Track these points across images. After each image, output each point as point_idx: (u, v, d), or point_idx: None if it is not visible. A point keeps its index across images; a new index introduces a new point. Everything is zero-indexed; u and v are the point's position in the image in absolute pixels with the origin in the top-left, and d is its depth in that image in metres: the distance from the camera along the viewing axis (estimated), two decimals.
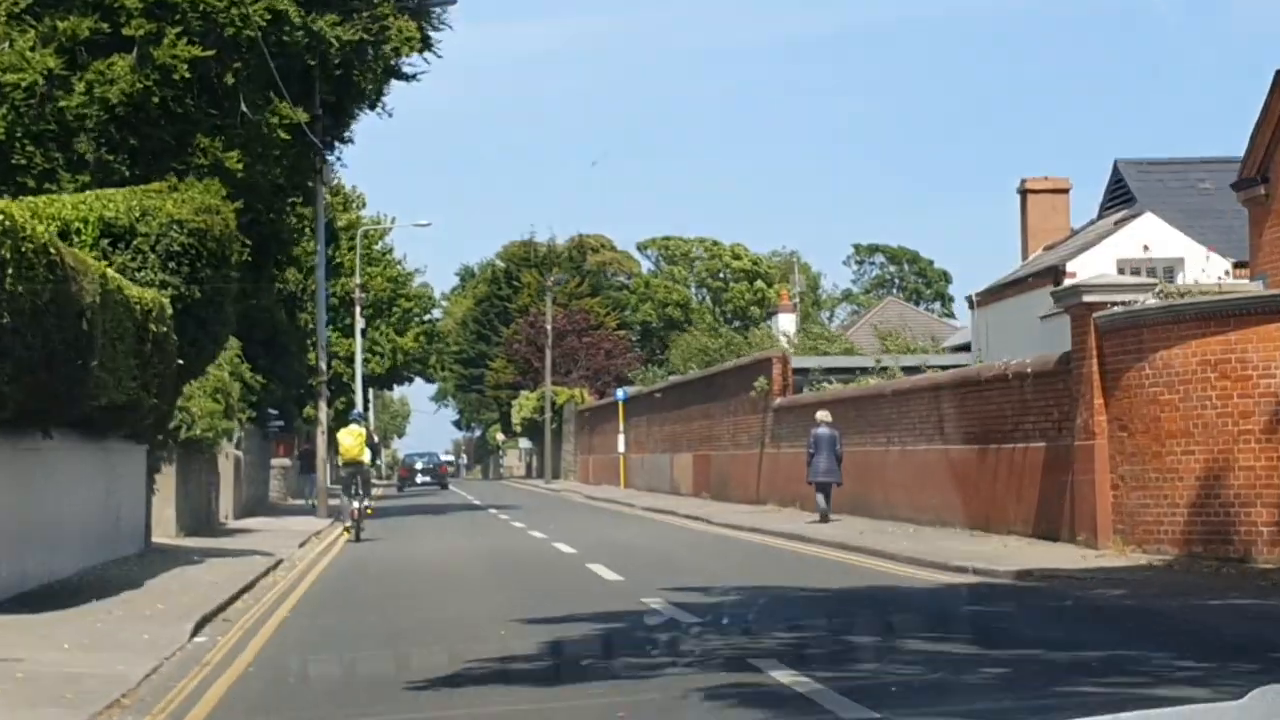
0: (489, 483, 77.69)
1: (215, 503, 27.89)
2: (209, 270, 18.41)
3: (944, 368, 27.67)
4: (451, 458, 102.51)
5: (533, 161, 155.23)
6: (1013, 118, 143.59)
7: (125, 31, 25.21)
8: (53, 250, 11.89)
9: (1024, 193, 32.48)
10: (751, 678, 8.24)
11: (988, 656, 9.01)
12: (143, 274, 17.96)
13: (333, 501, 30.48)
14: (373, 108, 34.57)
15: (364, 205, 63.69)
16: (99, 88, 26.10)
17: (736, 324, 61.97)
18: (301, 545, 23.50)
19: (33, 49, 24.67)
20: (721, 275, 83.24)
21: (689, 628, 10.83)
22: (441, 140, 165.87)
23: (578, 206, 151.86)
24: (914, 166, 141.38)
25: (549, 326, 63.20)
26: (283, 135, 28.79)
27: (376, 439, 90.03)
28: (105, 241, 18.01)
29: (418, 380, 69.50)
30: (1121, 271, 24.41)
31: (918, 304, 74.71)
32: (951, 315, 75.62)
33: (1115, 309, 15.73)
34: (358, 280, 57.33)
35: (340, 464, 23.78)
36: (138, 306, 16.28)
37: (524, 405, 68.74)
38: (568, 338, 69.20)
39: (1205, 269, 21.12)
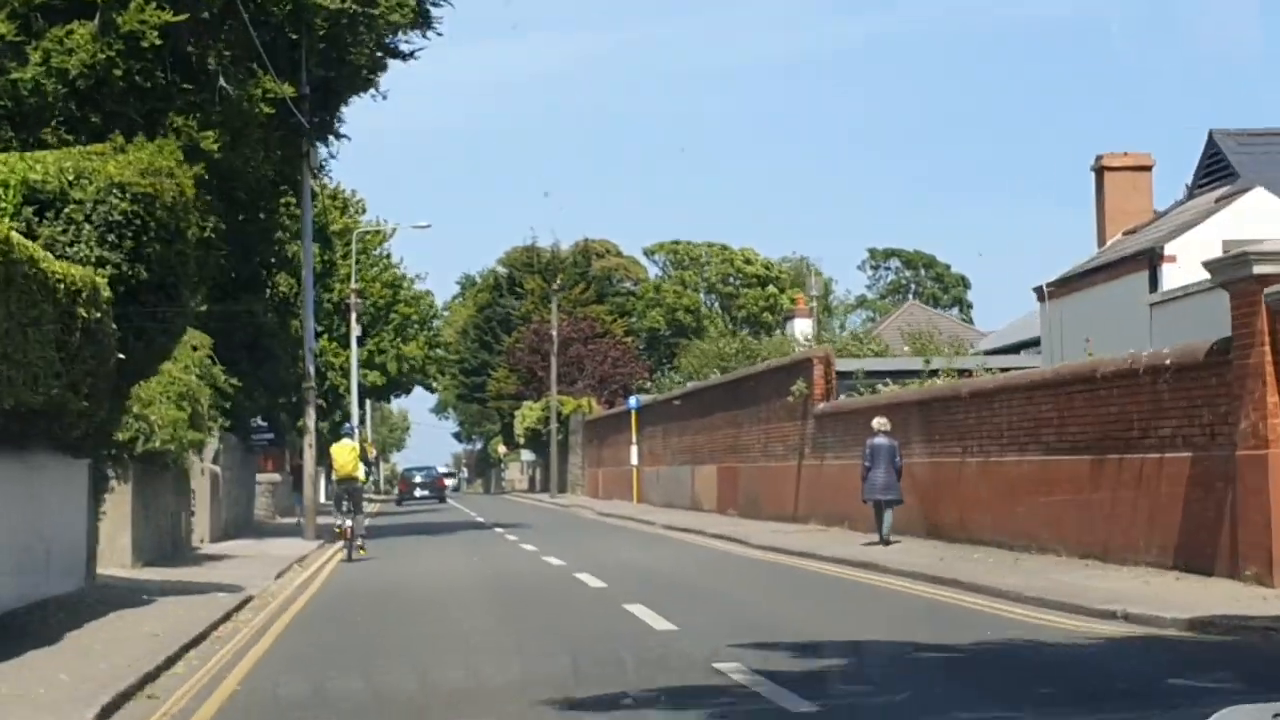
0: (491, 497, 75.52)
1: (187, 525, 24.61)
2: (159, 245, 14.91)
3: (1007, 369, 24.29)
4: (451, 471, 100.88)
5: (536, 168, 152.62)
6: (1015, 115, 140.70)
7: None
8: None
9: (1100, 171, 28.96)
10: None
11: None
12: (76, 249, 14.44)
13: (324, 520, 29.05)
14: (366, 88, 31.37)
15: (364, 211, 60.80)
16: (56, 58, 22.90)
17: (747, 331, 58.51)
18: (279, 575, 20.21)
19: None
20: (732, 281, 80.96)
21: None
22: (446, 152, 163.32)
23: (582, 212, 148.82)
24: (928, 168, 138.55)
25: (554, 333, 60.75)
26: (265, 109, 25.43)
27: (375, 453, 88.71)
28: (30, 210, 14.47)
29: (418, 391, 67.09)
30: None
31: (934, 309, 70.84)
32: (970, 321, 72.58)
33: None
34: (354, 285, 54.70)
35: (334, 480, 22.73)
36: (61, 285, 12.75)
37: (527, 416, 66.72)
38: (573, 345, 67.13)
39: None
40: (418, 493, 61.87)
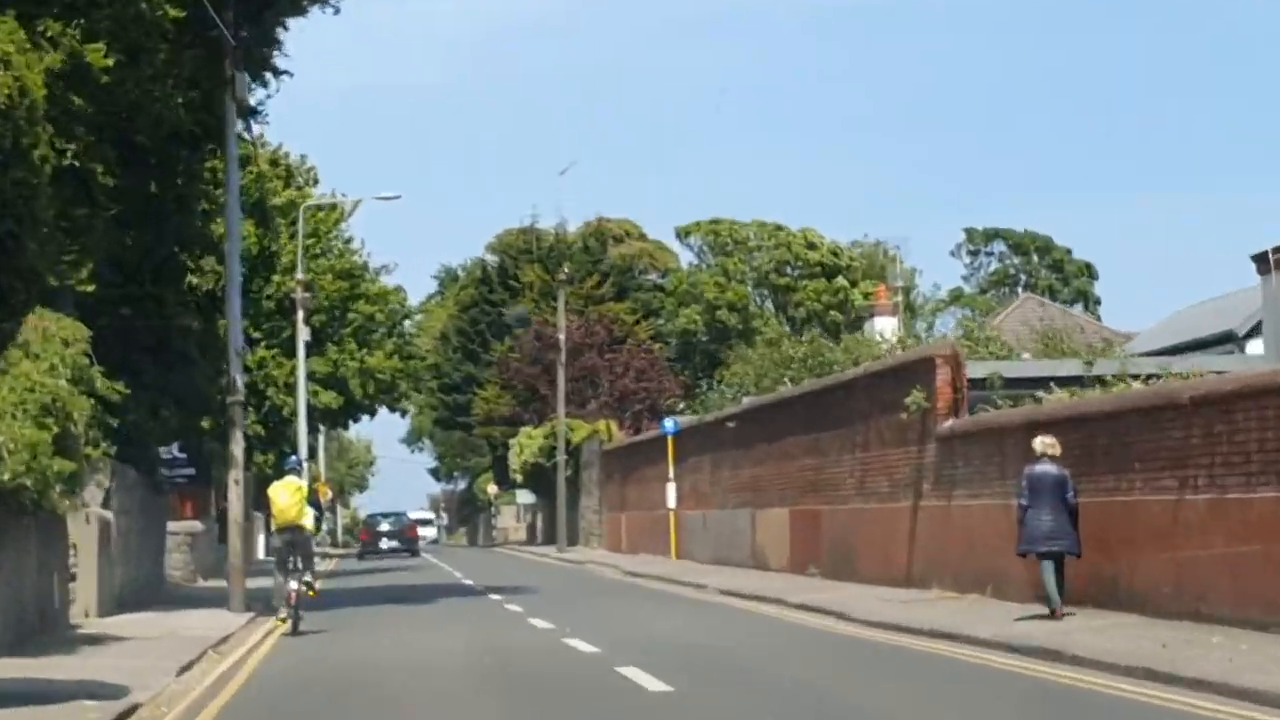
0: (479, 551, 74.67)
1: (63, 593, 22.04)
2: None
3: (1216, 373, 21.50)
4: (428, 517, 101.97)
5: (534, 135, 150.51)
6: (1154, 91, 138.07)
7: None
8: None
9: None
10: None
11: None
12: None
13: (261, 583, 28.86)
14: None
15: (315, 182, 58.74)
16: None
17: (819, 330, 56.18)
18: (185, 669, 17.64)
19: None
20: (788, 270, 78.80)
21: None
22: (422, 115, 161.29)
23: (595, 186, 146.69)
24: (1035, 134, 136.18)
25: (561, 337, 59.12)
26: (172, 13, 22.97)
27: (330, 495, 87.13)
28: None
29: (384, 415, 66.45)
30: None
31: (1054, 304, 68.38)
32: (1098, 319, 69.91)
33: None
34: (300, 274, 52.23)
35: (274, 529, 22.69)
36: None
37: (526, 445, 65.49)
38: (584, 354, 66.20)
39: None
40: (384, 544, 62.62)
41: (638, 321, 72.27)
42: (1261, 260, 28.47)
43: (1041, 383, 24.41)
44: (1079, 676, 14.67)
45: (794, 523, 32.53)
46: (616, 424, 58.99)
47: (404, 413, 65.52)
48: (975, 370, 26.00)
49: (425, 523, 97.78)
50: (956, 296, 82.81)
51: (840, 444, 29.40)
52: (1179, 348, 35.66)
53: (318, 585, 26.92)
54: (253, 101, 29.71)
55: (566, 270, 63.97)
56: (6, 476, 16.78)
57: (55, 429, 17.80)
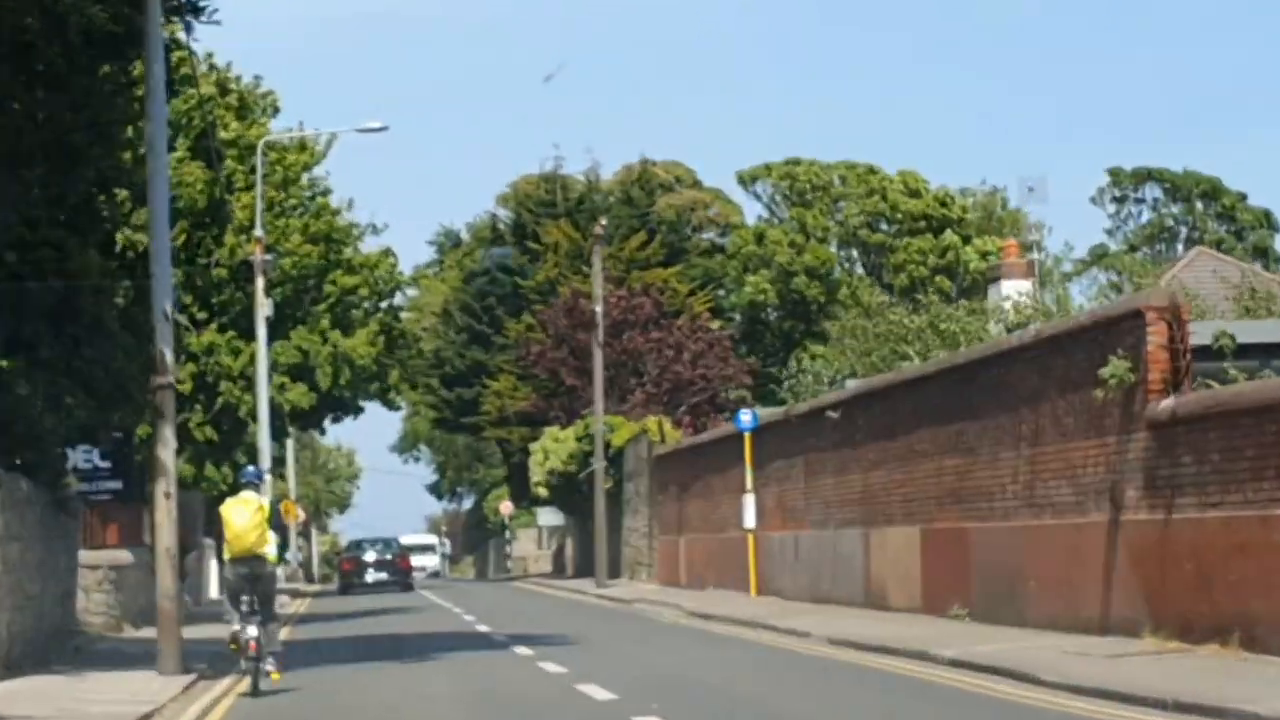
0: (493, 586, 73.69)
1: None
2: None
3: None
4: (432, 541, 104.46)
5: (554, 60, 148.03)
6: None
7: None
8: None
9: None
10: None
11: None
12: None
13: (207, 631, 29.74)
14: None
15: (276, 112, 57.18)
16: None
17: (936, 296, 55.32)
18: None
19: None
20: (883, 226, 77.33)
21: None
22: (413, 40, 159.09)
23: (631, 128, 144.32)
24: (1197, 55, 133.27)
25: (598, 309, 57.31)
26: None
27: (303, 516, 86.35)
28: None
29: (372, 413, 66.08)
30: None
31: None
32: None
33: None
34: (259, 229, 50.81)
35: (227, 559, 22.72)
36: None
37: (552, 450, 64.75)
38: (625, 333, 65.81)
39: None
40: (370, 576, 64.36)
41: (693, 292, 71.78)
42: None
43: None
44: None
45: (927, 546, 30.93)
46: (670, 421, 57.63)
47: (395, 408, 62.99)
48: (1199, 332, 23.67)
49: (425, 549, 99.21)
50: (1100, 255, 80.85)
51: (996, 437, 27.56)
52: None
53: (283, 634, 27.87)
54: None
55: (603, 224, 62.32)
56: None
57: None
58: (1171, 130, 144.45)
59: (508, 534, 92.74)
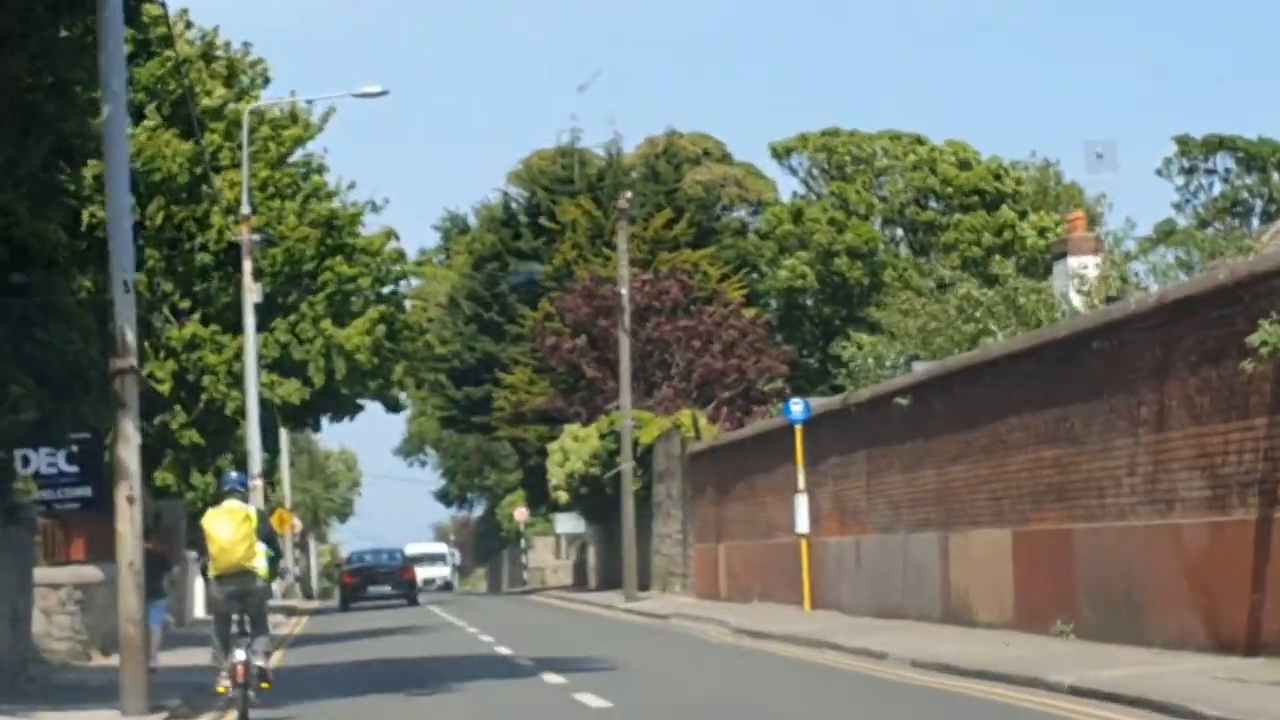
0: (508, 600, 73.28)
1: None
2: None
3: None
4: (442, 551, 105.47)
5: (570, 44, 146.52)
6: None
7: None
8: None
9: None
10: None
11: None
12: None
13: (192, 656, 30.10)
14: None
15: (266, 82, 55.28)
16: None
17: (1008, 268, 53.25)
18: None
19: None
20: (932, 202, 75.72)
21: None
22: (420, 23, 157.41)
23: (654, 99, 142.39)
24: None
25: (623, 292, 55.96)
26: None
27: (298, 526, 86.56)
28: None
29: (372, 412, 62.15)
30: None
31: None
32: None
33: None
34: (245, 207, 49.64)
35: (212, 576, 22.35)
36: None
37: (574, 449, 64.01)
38: (651, 319, 64.82)
39: None
40: (373, 590, 65.37)
41: (725, 277, 70.72)
42: None
43: None
44: None
45: (1021, 551, 29.25)
46: (704, 416, 56.89)
47: (398, 408, 61.30)
48: None
49: (435, 560, 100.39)
50: (1168, 232, 78.95)
51: (1108, 422, 25.69)
52: None
53: (275, 659, 26.66)
54: None
55: (628, 197, 60.99)
56: None
57: None
58: (1244, 95, 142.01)
59: (523, 543, 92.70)
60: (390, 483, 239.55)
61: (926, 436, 33.24)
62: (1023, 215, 73.73)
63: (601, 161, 76.40)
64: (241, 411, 49.87)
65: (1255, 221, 78.34)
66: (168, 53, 45.33)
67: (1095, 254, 49.54)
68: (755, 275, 74.80)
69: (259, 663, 21.61)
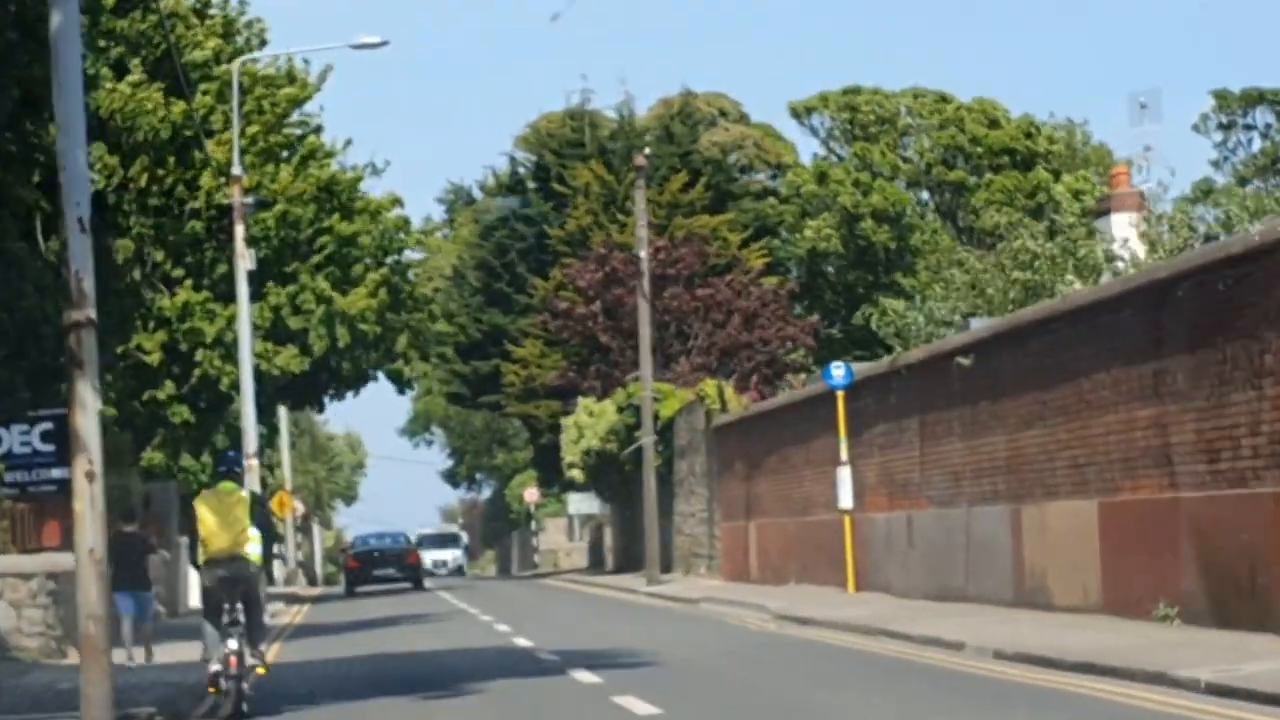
0: (520, 585, 71.53)
1: None
2: None
3: None
4: (455, 531, 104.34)
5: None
6: None
7: None
8: None
9: None
10: None
11: None
12: None
13: (177, 654, 29.48)
14: None
15: (264, 44, 53.79)
16: None
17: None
18: None
19: None
20: (960, 160, 73.87)
21: None
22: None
23: (668, 57, 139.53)
24: None
25: (643, 254, 54.62)
26: None
27: (300, 509, 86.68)
28: None
29: (378, 388, 60.59)
30: None
31: None
32: None
33: None
34: (236, 165, 47.48)
35: (202, 562, 21.91)
36: None
37: (589, 425, 63.01)
38: (668, 288, 63.50)
39: None
40: (378, 573, 66.44)
41: (745, 243, 69.15)
42: None
43: None
44: None
45: (1110, 524, 26.46)
46: (731, 388, 54.90)
47: (403, 384, 59.22)
48: None
49: (448, 541, 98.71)
50: (1206, 191, 76.33)
51: (1221, 374, 22.87)
52: None
53: (271, 652, 26.41)
54: None
55: (647, 153, 59.78)
56: None
57: None
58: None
59: (533, 525, 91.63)
60: (396, 465, 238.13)
61: (993, 398, 30.71)
62: (1056, 176, 71.97)
63: (613, 124, 75.07)
64: (236, 386, 48.20)
65: None
66: (152, 3, 43.94)
67: (1140, 210, 49.32)
68: (778, 240, 73.59)
69: (253, 661, 21.35)
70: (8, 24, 27.13)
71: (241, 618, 21.24)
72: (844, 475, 38.47)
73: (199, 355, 48.02)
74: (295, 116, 53.34)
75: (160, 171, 45.70)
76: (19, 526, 34.20)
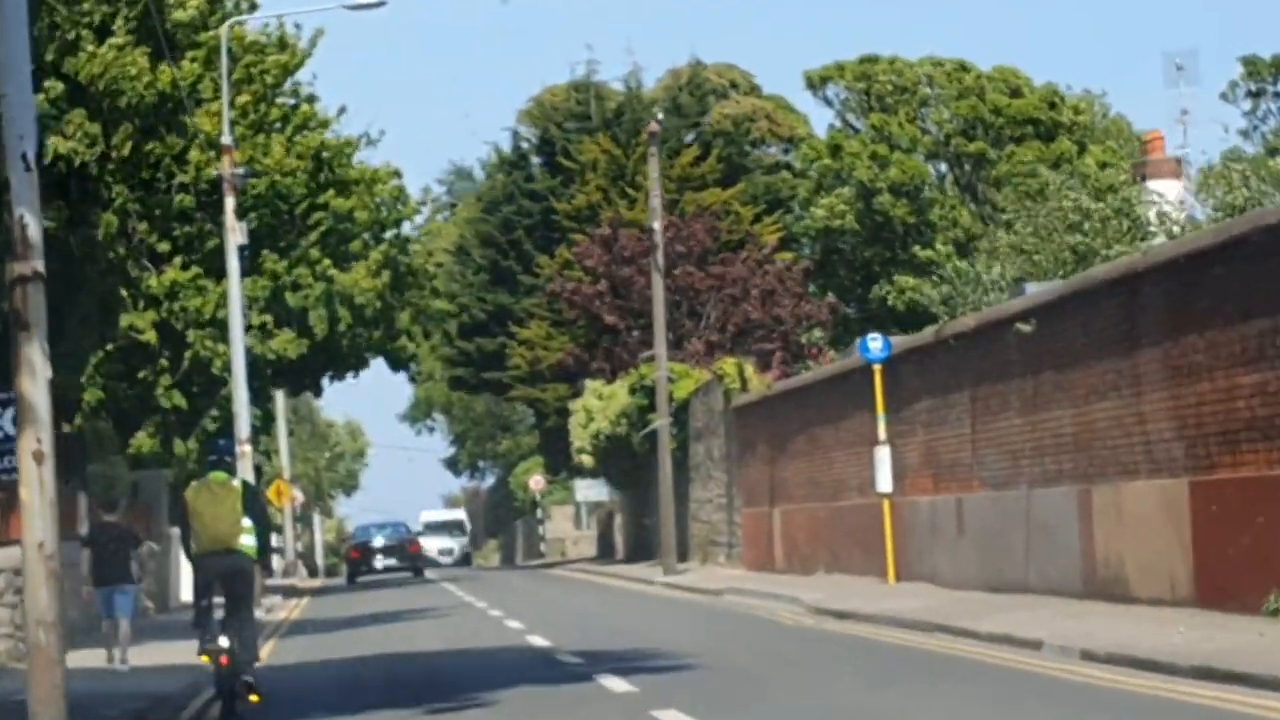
0: (527, 576, 69.89)
1: None
2: None
3: None
4: (460, 517, 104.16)
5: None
6: None
7: None
8: None
9: None
10: None
11: None
12: None
13: (162, 656, 29.35)
14: None
15: (254, 8, 52.30)
16: None
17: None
18: None
19: None
20: (982, 130, 71.64)
21: None
22: None
23: (676, 27, 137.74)
24: None
25: (657, 226, 53.05)
26: None
27: (299, 499, 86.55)
28: None
29: (376, 371, 60.17)
30: None
31: None
32: None
33: None
34: (225, 137, 46.45)
35: (195, 555, 22.07)
36: None
37: (598, 408, 62.04)
38: (679, 265, 62.36)
39: None
40: (379, 563, 67.73)
41: (758, 218, 67.86)
42: None
43: None
44: None
45: (1202, 506, 24.13)
46: (752, 367, 53.40)
47: (406, 366, 58.27)
48: None
49: (452, 529, 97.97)
50: (1234, 159, 74.52)
51: None
52: None
53: (265, 650, 26.52)
54: None
55: (659, 120, 58.35)
56: None
57: None
58: None
59: (539, 513, 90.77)
60: (397, 453, 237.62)
61: (1058, 368, 28.43)
62: (1081, 148, 69.86)
63: (620, 96, 73.93)
64: (229, 368, 47.10)
65: None
66: None
67: (1176, 177, 47.13)
68: (790, 215, 72.34)
69: (247, 678, 21.03)
70: None
71: (234, 611, 21.29)
72: (883, 456, 36.72)
73: (190, 336, 47.00)
74: (286, 86, 52.56)
75: (147, 144, 44.45)
76: None
